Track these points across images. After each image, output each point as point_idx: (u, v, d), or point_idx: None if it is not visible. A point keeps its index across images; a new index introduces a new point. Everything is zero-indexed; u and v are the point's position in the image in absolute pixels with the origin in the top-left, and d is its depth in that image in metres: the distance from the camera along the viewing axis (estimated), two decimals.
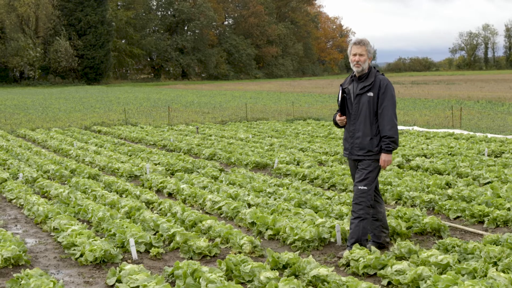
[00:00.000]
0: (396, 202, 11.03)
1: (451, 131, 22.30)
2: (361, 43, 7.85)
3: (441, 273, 6.80)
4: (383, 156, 7.76)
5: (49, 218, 9.84)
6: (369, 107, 7.77)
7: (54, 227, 9.40)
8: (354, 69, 7.85)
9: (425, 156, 16.39)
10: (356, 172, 8.00)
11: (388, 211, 9.92)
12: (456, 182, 12.31)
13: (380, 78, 7.82)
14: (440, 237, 8.77)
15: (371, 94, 7.76)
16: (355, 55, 7.81)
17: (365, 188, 7.79)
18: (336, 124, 8.24)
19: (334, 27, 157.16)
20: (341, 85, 8.07)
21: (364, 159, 7.86)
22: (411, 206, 10.62)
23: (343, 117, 8.03)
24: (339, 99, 7.99)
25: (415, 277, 6.51)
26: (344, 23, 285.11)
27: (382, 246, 8.17)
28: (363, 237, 7.82)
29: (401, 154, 16.08)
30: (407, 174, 13.33)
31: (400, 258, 7.61)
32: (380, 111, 7.73)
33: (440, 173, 13.70)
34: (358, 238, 7.80)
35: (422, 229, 8.95)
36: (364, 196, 7.79)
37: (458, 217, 9.94)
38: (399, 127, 24.43)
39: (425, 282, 6.35)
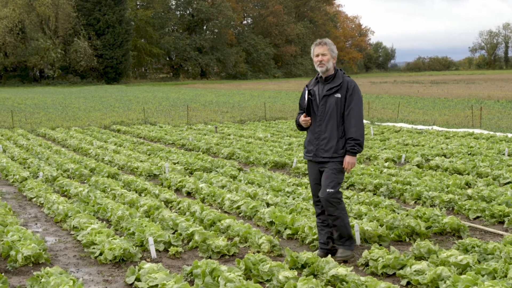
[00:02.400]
0: (415, 202, 10.99)
1: (471, 130, 22.18)
2: (321, 43, 7.79)
3: (460, 274, 6.77)
4: (347, 158, 7.62)
5: (69, 217, 9.90)
6: (337, 109, 7.63)
7: (73, 225, 9.45)
8: (318, 69, 7.76)
9: (445, 155, 16.30)
10: (322, 176, 7.82)
11: (407, 211, 9.89)
12: (476, 182, 12.23)
13: (347, 79, 7.71)
14: (460, 237, 8.72)
15: (338, 95, 7.64)
16: (317, 55, 7.75)
17: (332, 190, 7.65)
18: (299, 126, 8.08)
19: (353, 26, 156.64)
20: (306, 85, 7.98)
21: (330, 161, 7.71)
22: (431, 206, 10.58)
23: (308, 118, 7.86)
24: (305, 100, 7.83)
25: (435, 277, 6.48)
26: (363, 22, 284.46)
27: (330, 253, 7.92)
28: (349, 230, 7.79)
29: (421, 154, 16.02)
30: (426, 173, 13.27)
31: (419, 258, 7.58)
32: (347, 112, 7.60)
33: (459, 173, 13.62)
34: (349, 234, 7.77)
35: (441, 229, 8.90)
36: (334, 197, 7.66)
37: (478, 217, 9.88)
38: (419, 127, 24.36)
39: (445, 282, 6.32)
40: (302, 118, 7.90)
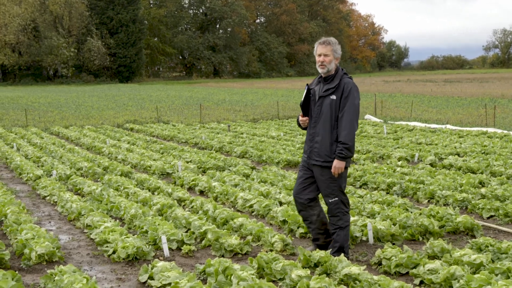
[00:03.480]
0: (428, 201, 10.96)
1: (484, 129, 22.07)
2: (325, 42, 7.58)
3: (474, 273, 6.74)
4: (335, 163, 7.34)
5: (82, 215, 9.93)
6: (331, 111, 7.41)
7: (87, 224, 9.48)
8: (319, 70, 7.54)
9: (458, 154, 16.24)
10: (319, 184, 7.63)
11: (420, 210, 9.86)
12: (490, 181, 12.18)
13: (345, 81, 7.45)
14: (473, 237, 8.69)
15: (333, 97, 7.41)
16: (320, 55, 7.53)
17: (336, 199, 7.52)
18: (299, 125, 7.92)
19: (366, 25, 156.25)
20: (307, 84, 7.81)
21: (322, 165, 7.50)
22: (444, 205, 10.54)
23: (305, 118, 7.72)
24: (303, 99, 7.68)
25: (448, 277, 6.45)
26: (376, 21, 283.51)
27: (323, 247, 7.80)
28: (345, 243, 7.64)
29: (434, 153, 15.96)
30: (439, 172, 13.23)
31: (432, 257, 7.56)
32: (340, 115, 7.35)
33: (473, 172, 13.57)
34: (341, 245, 7.62)
35: (455, 228, 8.88)
36: (338, 207, 7.53)
37: (491, 216, 9.84)
38: (432, 125, 24.28)
39: (458, 281, 6.30)
40: (300, 118, 7.80)
